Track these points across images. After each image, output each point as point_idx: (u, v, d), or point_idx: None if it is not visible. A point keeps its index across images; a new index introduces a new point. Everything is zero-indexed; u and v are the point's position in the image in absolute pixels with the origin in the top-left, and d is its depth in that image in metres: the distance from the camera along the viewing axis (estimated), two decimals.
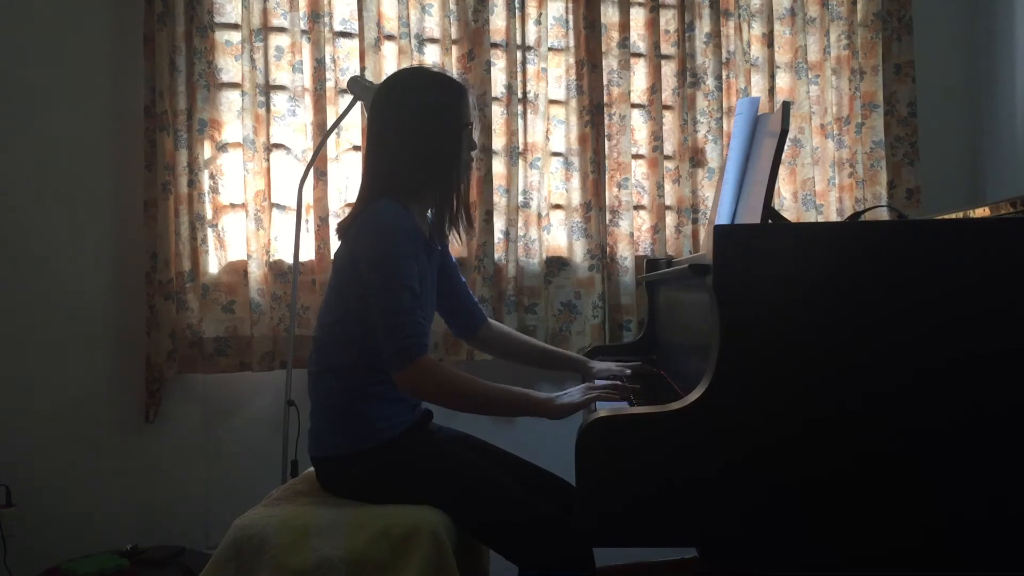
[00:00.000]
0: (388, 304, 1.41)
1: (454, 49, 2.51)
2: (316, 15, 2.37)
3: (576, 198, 2.59)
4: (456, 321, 1.86)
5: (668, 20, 2.67)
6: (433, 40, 2.51)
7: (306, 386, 1.60)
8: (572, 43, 2.61)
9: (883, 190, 2.74)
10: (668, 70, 2.67)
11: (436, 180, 1.58)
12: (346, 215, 1.61)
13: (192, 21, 2.28)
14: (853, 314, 1.13)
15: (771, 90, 2.70)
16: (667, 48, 2.68)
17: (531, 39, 2.56)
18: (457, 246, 1.65)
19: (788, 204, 2.75)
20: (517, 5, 2.53)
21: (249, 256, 2.31)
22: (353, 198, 2.42)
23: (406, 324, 1.40)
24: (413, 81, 1.62)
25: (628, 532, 1.15)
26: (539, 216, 2.54)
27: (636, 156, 2.66)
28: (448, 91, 1.59)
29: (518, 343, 1.90)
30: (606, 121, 2.60)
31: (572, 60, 2.60)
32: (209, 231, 2.32)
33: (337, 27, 2.45)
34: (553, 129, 2.61)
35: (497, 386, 1.46)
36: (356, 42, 2.45)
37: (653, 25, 2.64)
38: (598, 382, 1.62)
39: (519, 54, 2.55)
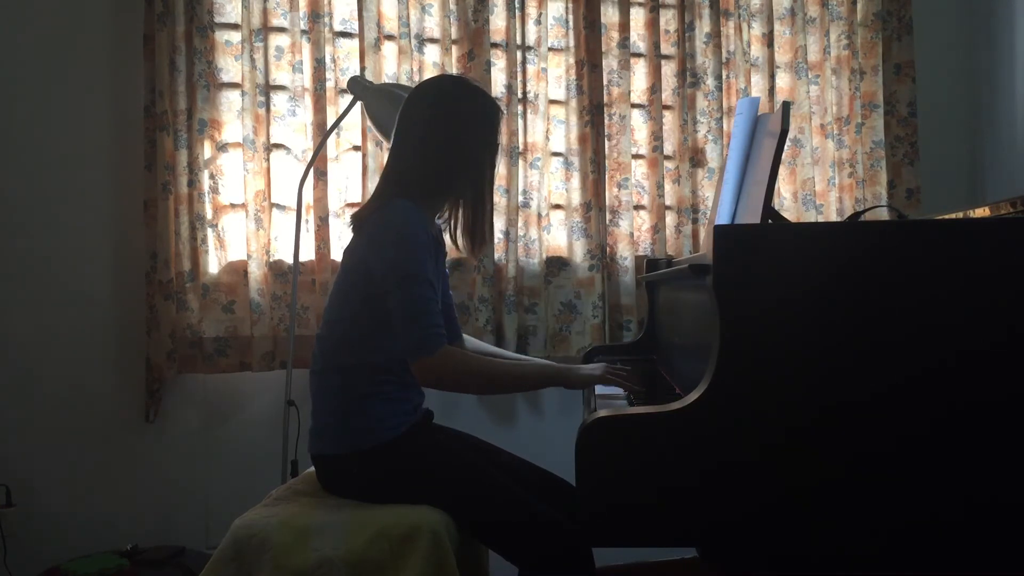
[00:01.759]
0: (408, 297, 1.41)
1: (454, 49, 2.50)
2: (316, 15, 2.37)
3: (576, 198, 2.59)
4: None
5: (668, 20, 2.67)
6: (433, 40, 2.51)
7: (306, 386, 1.60)
8: (572, 43, 2.61)
9: (883, 190, 2.74)
10: (668, 70, 2.67)
11: (459, 190, 1.59)
12: (362, 206, 1.60)
13: (192, 21, 2.28)
14: (853, 314, 1.13)
15: (771, 90, 2.70)
16: (667, 48, 2.68)
17: (531, 39, 2.56)
18: (457, 247, 1.64)
19: (788, 204, 2.75)
20: (517, 5, 2.53)
21: (249, 256, 2.31)
22: (353, 198, 2.43)
23: (426, 314, 1.41)
24: (455, 89, 1.62)
25: (628, 532, 1.15)
26: (539, 216, 2.54)
27: (636, 156, 2.66)
28: (488, 107, 1.60)
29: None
30: (606, 121, 2.60)
31: (572, 60, 2.60)
32: (209, 231, 2.31)
33: (337, 27, 2.45)
34: (553, 129, 2.61)
35: (515, 364, 1.52)
36: (356, 42, 2.45)
37: (653, 25, 2.64)
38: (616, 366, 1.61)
39: (519, 54, 2.54)
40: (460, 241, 1.62)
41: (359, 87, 2.12)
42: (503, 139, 2.50)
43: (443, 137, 1.56)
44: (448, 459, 1.51)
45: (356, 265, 1.53)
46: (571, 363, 1.94)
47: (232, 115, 2.37)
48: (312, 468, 1.61)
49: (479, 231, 1.60)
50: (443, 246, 1.68)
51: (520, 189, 2.53)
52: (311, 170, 2.25)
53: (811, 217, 2.72)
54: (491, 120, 1.61)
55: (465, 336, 1.89)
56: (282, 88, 2.40)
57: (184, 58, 2.27)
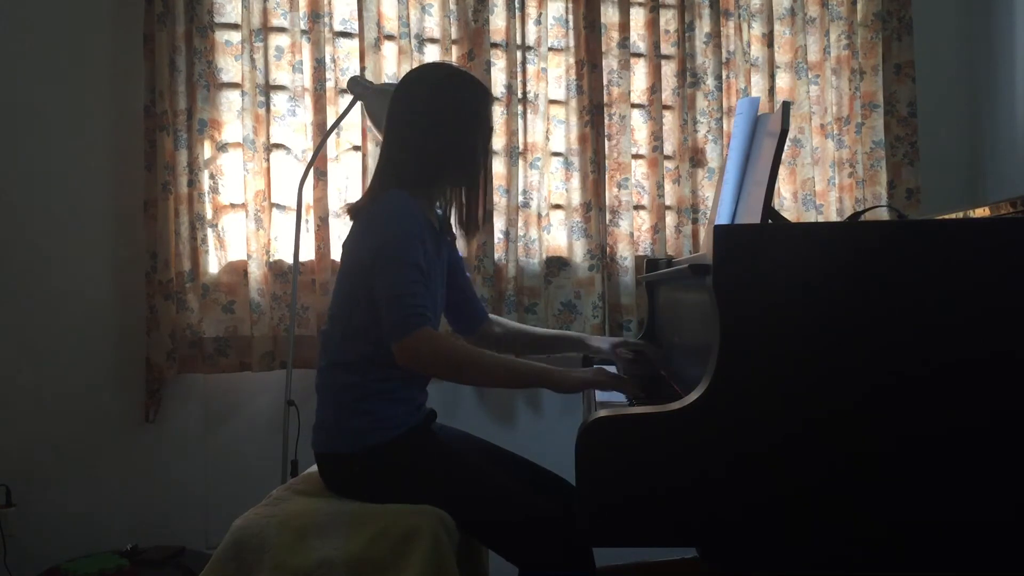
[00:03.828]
0: (391, 279, 1.41)
1: (454, 49, 2.51)
2: (316, 15, 2.37)
3: (576, 198, 2.59)
4: (458, 317, 1.85)
5: (668, 20, 2.67)
6: (433, 40, 2.51)
7: (306, 386, 1.60)
8: (572, 43, 2.61)
9: (883, 190, 2.74)
10: (668, 70, 2.67)
11: (455, 177, 1.59)
12: (360, 197, 1.62)
13: (192, 21, 2.28)
14: (853, 314, 1.13)
15: (771, 90, 2.70)
16: (667, 48, 2.68)
17: (531, 39, 2.56)
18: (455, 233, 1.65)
19: (788, 204, 2.75)
20: (517, 5, 2.53)
21: (249, 256, 2.31)
22: (353, 198, 2.43)
23: (409, 295, 1.40)
24: (442, 76, 1.62)
25: (628, 532, 1.15)
26: (539, 216, 2.54)
27: (636, 156, 2.66)
28: (478, 91, 1.61)
29: (519, 335, 1.89)
30: (606, 121, 2.60)
31: (572, 60, 2.60)
32: (209, 231, 2.32)
33: (337, 27, 2.45)
34: (553, 129, 2.61)
35: (502, 356, 1.48)
36: (356, 42, 2.45)
37: (653, 25, 2.64)
38: (611, 369, 1.60)
39: (519, 54, 2.54)
40: (455, 227, 1.63)
41: (359, 87, 2.12)
42: (503, 139, 2.50)
43: (434, 127, 1.55)
44: (448, 458, 1.51)
45: (351, 257, 1.53)
46: (571, 364, 1.93)
47: (232, 115, 2.37)
48: (312, 468, 1.61)
49: (473, 217, 1.61)
50: (447, 234, 1.68)
51: (520, 189, 2.53)
52: (311, 170, 2.25)
53: (811, 217, 2.72)
54: (480, 106, 1.60)
55: (495, 317, 1.90)
56: (282, 88, 2.40)
57: (184, 58, 2.27)
